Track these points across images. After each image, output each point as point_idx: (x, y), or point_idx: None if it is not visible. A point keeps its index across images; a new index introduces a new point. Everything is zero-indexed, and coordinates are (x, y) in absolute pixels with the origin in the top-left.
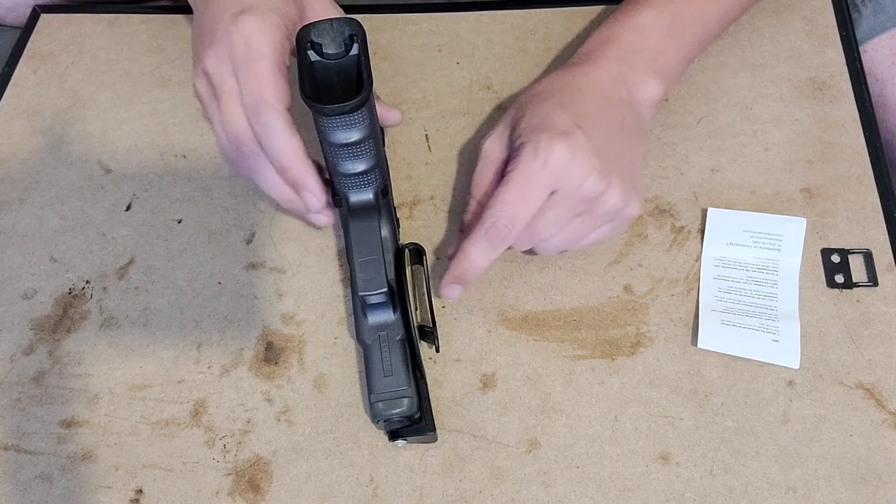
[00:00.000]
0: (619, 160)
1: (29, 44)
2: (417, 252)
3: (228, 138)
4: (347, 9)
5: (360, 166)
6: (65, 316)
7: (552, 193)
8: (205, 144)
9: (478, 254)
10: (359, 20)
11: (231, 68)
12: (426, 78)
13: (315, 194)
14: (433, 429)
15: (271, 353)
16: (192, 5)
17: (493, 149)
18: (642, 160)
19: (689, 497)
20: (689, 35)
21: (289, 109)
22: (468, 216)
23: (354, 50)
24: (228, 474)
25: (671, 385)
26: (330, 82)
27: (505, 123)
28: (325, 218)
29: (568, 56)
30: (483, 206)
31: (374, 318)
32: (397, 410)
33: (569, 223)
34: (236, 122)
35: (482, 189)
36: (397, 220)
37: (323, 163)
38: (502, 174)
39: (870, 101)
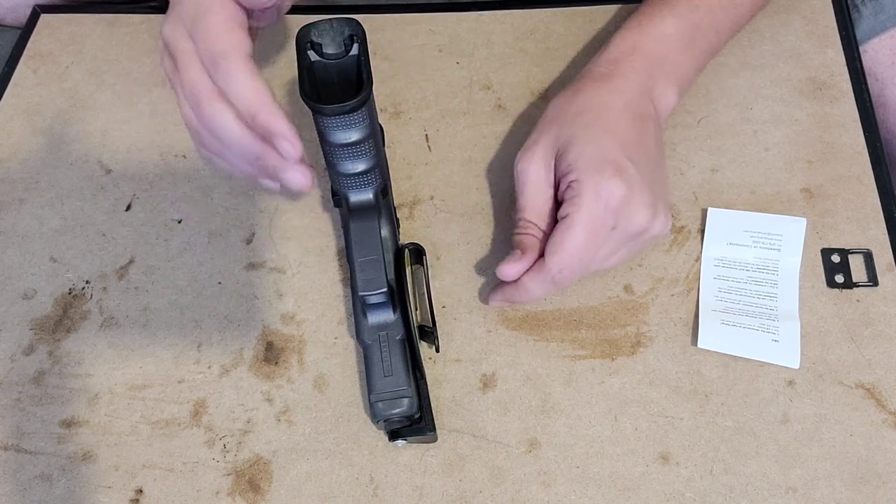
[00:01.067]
0: (658, 182)
1: (29, 44)
2: (417, 252)
3: (187, 99)
4: (348, 9)
5: (359, 166)
6: (65, 316)
7: (609, 232)
8: None
9: (539, 291)
10: (358, 20)
11: (185, 32)
12: (426, 78)
13: (289, 140)
14: (433, 429)
15: (271, 353)
16: None
17: (540, 170)
18: (666, 176)
19: (689, 497)
20: (705, 45)
21: (251, 57)
22: (527, 239)
23: (354, 50)
24: (228, 474)
25: (671, 385)
26: (330, 82)
27: (545, 143)
28: (302, 177)
29: (567, 56)
30: (540, 229)
31: (374, 317)
32: (397, 410)
33: (618, 251)
34: (194, 76)
35: (536, 212)
36: (397, 220)
37: (323, 163)
38: (552, 195)
39: (870, 100)
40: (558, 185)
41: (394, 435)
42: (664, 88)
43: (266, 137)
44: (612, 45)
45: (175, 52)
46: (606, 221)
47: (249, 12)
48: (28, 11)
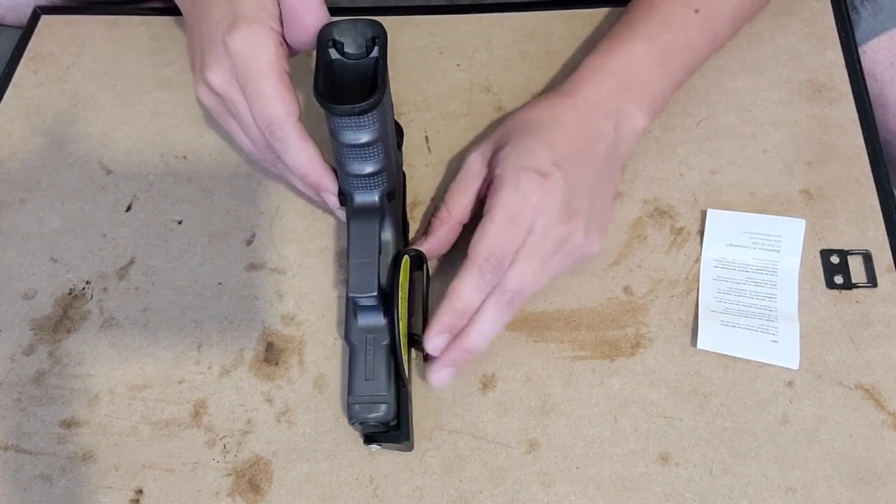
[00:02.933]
0: (590, 200)
1: (30, 45)
2: (418, 258)
3: (256, 149)
4: (349, 10)
5: (367, 168)
6: (65, 316)
7: (528, 235)
8: (205, 146)
9: (471, 292)
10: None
11: (237, 85)
12: (426, 80)
13: (335, 194)
14: (408, 437)
15: (271, 354)
16: (180, 7)
17: (476, 164)
18: (612, 198)
19: (688, 497)
20: (679, 65)
21: (300, 119)
22: (435, 222)
23: (375, 52)
24: (228, 474)
25: (671, 386)
26: (348, 81)
27: (491, 142)
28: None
29: (567, 59)
30: (451, 215)
31: (364, 320)
32: (373, 415)
33: (546, 263)
34: (258, 137)
35: (456, 201)
36: (407, 224)
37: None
38: (479, 190)
39: (869, 102)
40: (489, 184)
41: (368, 439)
42: (632, 110)
43: (315, 191)
44: (582, 65)
45: (232, 105)
46: (525, 213)
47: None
48: (28, 11)
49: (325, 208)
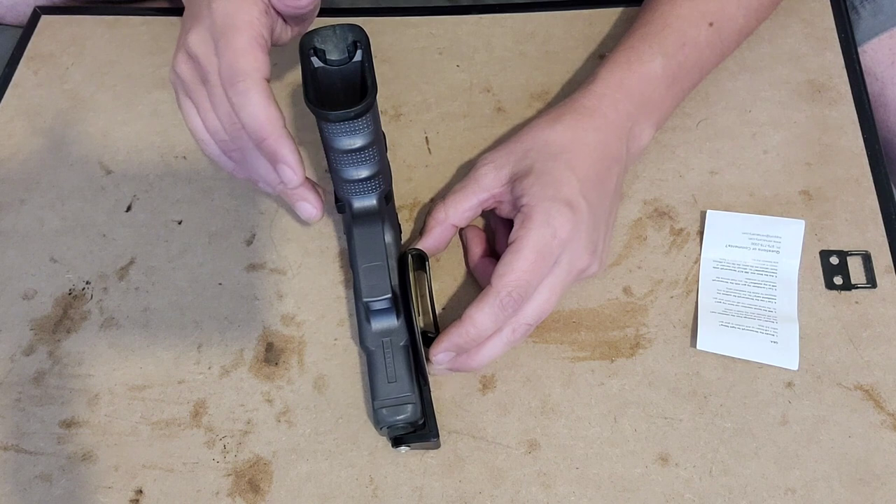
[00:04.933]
0: (605, 227)
1: (30, 45)
2: (420, 258)
3: (223, 126)
4: (348, 11)
5: (363, 172)
6: (65, 316)
7: (553, 268)
8: None
9: (488, 322)
10: (361, 26)
11: (213, 47)
12: (426, 81)
13: (292, 168)
14: (437, 435)
15: (271, 354)
16: None
17: (487, 177)
18: (615, 219)
19: (688, 498)
20: (688, 83)
21: (268, 80)
22: (432, 221)
23: (358, 56)
24: (228, 475)
25: (670, 386)
26: (333, 88)
27: (507, 158)
28: (313, 208)
29: (567, 59)
30: (445, 213)
31: (378, 324)
32: (401, 417)
33: (562, 291)
34: (226, 111)
35: (457, 204)
36: (399, 225)
37: (324, 164)
38: (484, 202)
39: (868, 103)
40: (499, 201)
41: (397, 442)
42: (642, 128)
43: (272, 161)
44: (599, 77)
45: (206, 69)
46: (553, 248)
47: (286, 21)
48: (27, 10)
49: (295, 209)
